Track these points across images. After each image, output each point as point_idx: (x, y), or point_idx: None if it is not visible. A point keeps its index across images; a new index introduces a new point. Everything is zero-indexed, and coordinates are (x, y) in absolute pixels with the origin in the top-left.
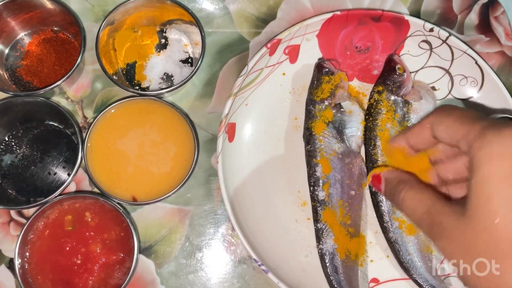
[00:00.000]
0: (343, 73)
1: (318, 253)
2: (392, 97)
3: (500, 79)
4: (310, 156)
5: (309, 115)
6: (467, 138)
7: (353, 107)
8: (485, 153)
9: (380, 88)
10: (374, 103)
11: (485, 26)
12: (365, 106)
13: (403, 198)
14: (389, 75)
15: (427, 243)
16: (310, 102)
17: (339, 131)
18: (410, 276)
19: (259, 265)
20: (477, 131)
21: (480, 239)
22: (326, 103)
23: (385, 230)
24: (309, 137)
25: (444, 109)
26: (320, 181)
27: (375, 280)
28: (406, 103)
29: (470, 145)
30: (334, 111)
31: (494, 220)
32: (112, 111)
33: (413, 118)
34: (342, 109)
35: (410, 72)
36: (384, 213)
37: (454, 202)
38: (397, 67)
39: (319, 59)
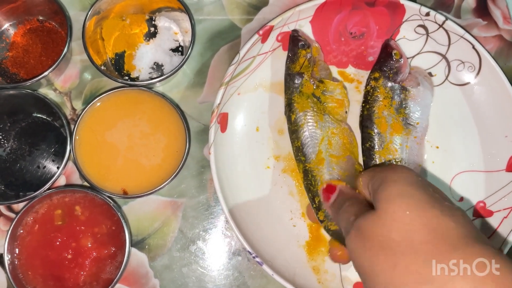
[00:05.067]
0: (318, 45)
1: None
2: (389, 84)
3: (498, 64)
4: (293, 132)
5: (289, 91)
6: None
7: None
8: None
9: (377, 74)
10: (371, 90)
11: (483, 10)
12: (362, 94)
13: (346, 208)
14: (386, 61)
15: None
16: (289, 77)
17: (321, 104)
18: None
19: (254, 257)
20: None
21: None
22: (306, 77)
23: None
24: (290, 113)
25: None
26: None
27: None
28: (404, 89)
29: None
30: (314, 86)
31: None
32: (100, 102)
33: (411, 105)
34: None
35: (407, 58)
36: None
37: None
38: (393, 52)
39: (293, 30)
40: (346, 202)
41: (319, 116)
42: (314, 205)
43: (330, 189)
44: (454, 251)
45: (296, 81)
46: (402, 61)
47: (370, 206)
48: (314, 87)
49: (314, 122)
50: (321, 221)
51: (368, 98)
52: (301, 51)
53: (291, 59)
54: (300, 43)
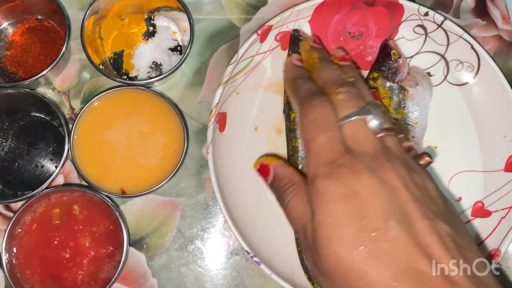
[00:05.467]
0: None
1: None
2: (388, 84)
3: (497, 64)
4: (291, 130)
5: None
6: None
7: None
8: (316, 197)
9: (375, 74)
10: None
11: (482, 10)
12: None
13: (288, 204)
14: (384, 61)
15: None
16: None
17: None
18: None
19: (252, 257)
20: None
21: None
22: None
23: None
24: (289, 111)
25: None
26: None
27: None
28: (402, 89)
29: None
30: None
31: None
32: (99, 102)
33: (410, 105)
34: None
35: (405, 58)
36: None
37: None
38: (392, 52)
39: (294, 30)
40: (287, 189)
41: None
42: None
43: (264, 170)
44: None
45: None
46: (400, 61)
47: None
48: None
49: None
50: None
51: None
52: None
53: None
54: (301, 43)
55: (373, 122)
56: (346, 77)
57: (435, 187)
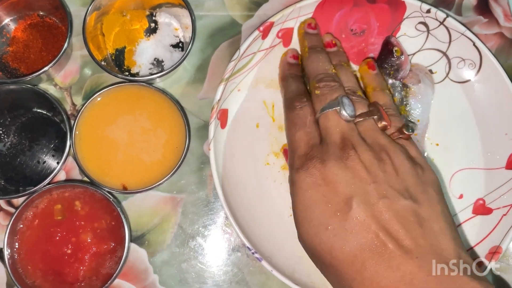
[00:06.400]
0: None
1: None
2: (390, 81)
3: (499, 61)
4: None
5: None
6: None
7: None
8: (292, 187)
9: None
10: None
11: (484, 7)
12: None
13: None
14: (387, 58)
15: None
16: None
17: None
18: None
19: (253, 253)
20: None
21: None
22: None
23: None
24: None
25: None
26: None
27: None
28: (404, 86)
29: None
30: None
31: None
32: (101, 98)
33: (412, 102)
34: None
35: (408, 55)
36: None
37: None
38: (394, 49)
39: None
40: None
41: None
42: None
43: (285, 153)
44: None
45: None
46: (403, 58)
47: None
48: None
49: None
50: None
51: None
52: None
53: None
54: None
55: (343, 113)
56: (329, 68)
57: (405, 161)
